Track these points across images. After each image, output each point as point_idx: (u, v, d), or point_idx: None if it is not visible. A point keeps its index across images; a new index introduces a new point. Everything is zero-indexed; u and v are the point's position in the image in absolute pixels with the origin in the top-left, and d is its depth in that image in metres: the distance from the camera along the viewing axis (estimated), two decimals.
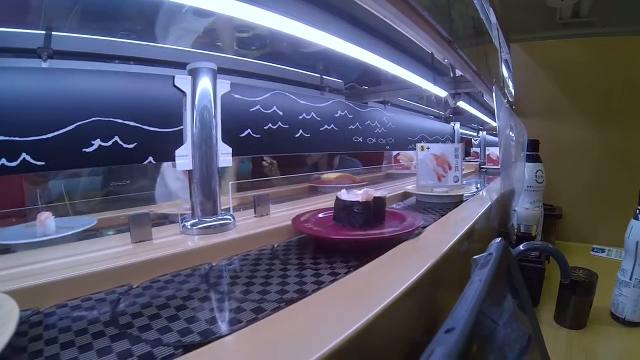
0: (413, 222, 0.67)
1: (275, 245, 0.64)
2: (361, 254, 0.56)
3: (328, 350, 0.28)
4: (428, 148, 1.16)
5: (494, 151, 2.47)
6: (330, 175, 1.50)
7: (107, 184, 1.29)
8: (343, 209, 0.68)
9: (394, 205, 1.02)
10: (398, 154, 2.23)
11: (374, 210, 0.67)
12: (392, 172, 2.06)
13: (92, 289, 0.44)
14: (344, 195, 0.69)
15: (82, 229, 0.70)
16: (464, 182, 1.37)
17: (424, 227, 0.70)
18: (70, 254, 0.51)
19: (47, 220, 0.65)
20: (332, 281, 0.46)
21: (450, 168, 1.20)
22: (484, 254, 0.39)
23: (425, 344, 0.23)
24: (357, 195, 0.68)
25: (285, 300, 0.40)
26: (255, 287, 0.45)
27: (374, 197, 0.67)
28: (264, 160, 1.55)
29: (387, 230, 0.65)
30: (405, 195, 1.21)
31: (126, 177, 1.29)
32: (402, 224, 0.68)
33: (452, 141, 2.30)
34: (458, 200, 1.10)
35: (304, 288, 0.44)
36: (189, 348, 0.31)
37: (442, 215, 0.85)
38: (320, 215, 0.74)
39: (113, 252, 0.52)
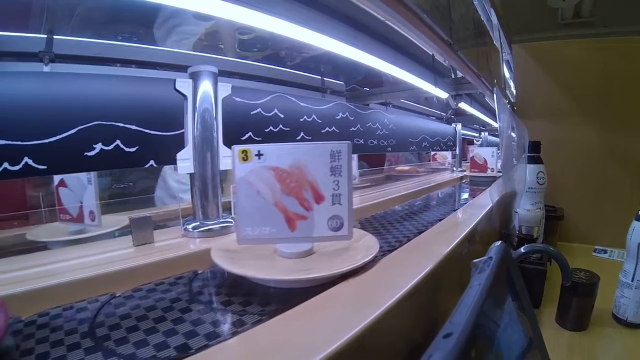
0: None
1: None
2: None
3: (328, 353, 0.28)
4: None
5: (481, 152, 1.86)
6: (404, 167, 2.30)
7: (110, 186, 1.29)
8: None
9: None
10: (435, 153, 2.68)
11: None
12: (434, 167, 2.54)
13: (95, 291, 0.44)
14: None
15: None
16: None
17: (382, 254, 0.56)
18: (74, 257, 0.51)
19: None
20: (330, 284, 0.46)
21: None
22: (484, 257, 0.39)
23: (424, 347, 0.23)
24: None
25: (285, 303, 0.40)
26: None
27: None
28: None
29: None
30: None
31: (128, 179, 1.29)
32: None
33: (454, 142, 2.29)
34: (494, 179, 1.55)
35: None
36: (192, 352, 0.31)
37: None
38: None
39: (116, 255, 0.53)
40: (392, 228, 0.77)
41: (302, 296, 0.39)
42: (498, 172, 1.73)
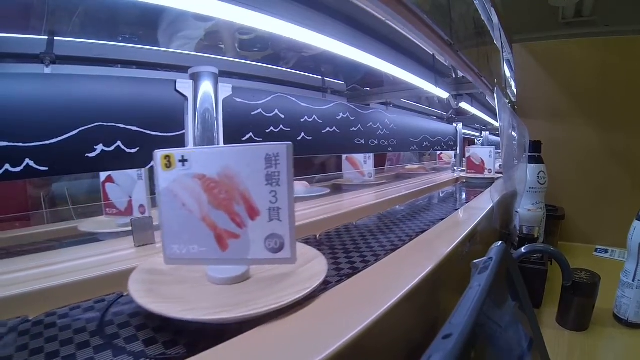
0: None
1: None
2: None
3: (328, 354, 0.28)
4: None
5: (478, 152, 1.76)
6: (413, 166, 2.36)
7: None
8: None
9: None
10: (441, 153, 2.74)
11: None
12: (438, 167, 2.59)
13: (96, 293, 0.44)
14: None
15: None
16: None
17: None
18: (74, 257, 0.51)
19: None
20: (338, 281, 0.46)
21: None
22: (484, 258, 0.39)
23: (424, 347, 0.23)
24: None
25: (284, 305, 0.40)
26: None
27: None
28: None
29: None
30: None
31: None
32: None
33: (455, 142, 2.29)
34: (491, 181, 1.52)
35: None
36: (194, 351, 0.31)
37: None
38: None
39: (116, 255, 0.53)
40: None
41: (236, 331, 0.33)
42: (497, 173, 1.68)
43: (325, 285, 0.44)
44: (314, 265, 0.45)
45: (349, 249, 0.62)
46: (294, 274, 0.43)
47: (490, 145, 1.99)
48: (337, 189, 1.44)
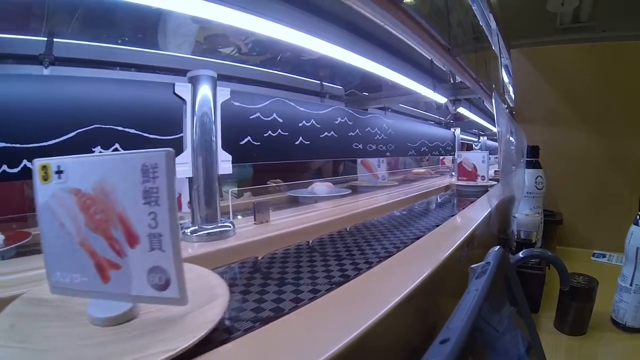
0: None
1: (276, 251, 0.64)
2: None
3: (327, 358, 0.28)
4: None
5: (470, 158, 1.63)
6: (420, 170, 2.43)
7: None
8: None
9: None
10: (444, 157, 2.75)
11: None
12: (441, 170, 2.64)
13: None
14: None
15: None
16: None
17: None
18: None
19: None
20: (328, 290, 0.46)
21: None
22: (482, 262, 0.39)
23: (422, 352, 0.23)
24: None
25: (283, 308, 0.40)
26: (252, 295, 0.45)
27: None
28: (271, 183, 1.53)
29: None
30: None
31: None
32: None
33: (453, 147, 2.30)
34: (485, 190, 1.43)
35: (301, 297, 0.44)
36: (191, 355, 0.31)
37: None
38: None
39: None
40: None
41: None
42: (490, 180, 1.58)
43: (315, 294, 0.43)
44: (211, 309, 0.35)
45: (341, 256, 0.62)
46: (182, 319, 0.33)
47: (483, 150, 1.76)
48: (354, 190, 1.47)
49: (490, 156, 1.64)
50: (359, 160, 1.72)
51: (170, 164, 0.30)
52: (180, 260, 0.31)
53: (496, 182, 1.46)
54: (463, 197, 1.38)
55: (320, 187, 1.34)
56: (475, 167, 1.58)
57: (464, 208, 1.07)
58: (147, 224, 0.30)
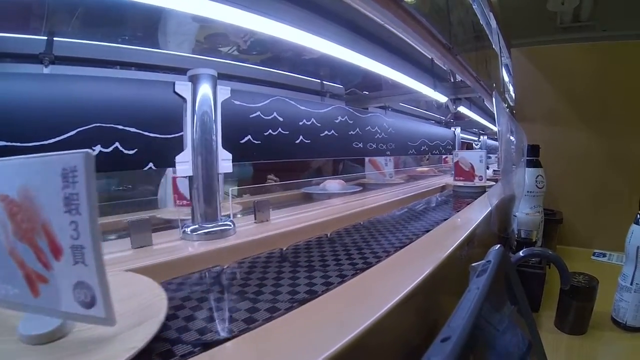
0: None
1: (275, 251, 0.64)
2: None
3: (325, 357, 0.28)
4: None
5: (467, 157, 1.49)
6: (424, 168, 2.47)
7: (108, 188, 1.29)
8: None
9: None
10: (446, 156, 2.75)
11: None
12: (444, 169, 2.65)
13: None
14: None
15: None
16: None
17: None
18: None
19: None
20: (325, 290, 0.45)
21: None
22: (482, 261, 0.39)
23: (423, 350, 0.23)
24: None
25: (283, 307, 0.40)
26: (252, 293, 0.45)
27: None
28: (270, 178, 1.54)
29: None
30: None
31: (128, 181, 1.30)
32: None
33: (453, 146, 2.30)
34: (482, 190, 1.33)
35: (302, 295, 0.44)
36: (185, 355, 0.31)
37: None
38: None
39: (113, 257, 0.53)
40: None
41: None
42: (488, 180, 1.49)
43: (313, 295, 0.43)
44: (142, 330, 0.31)
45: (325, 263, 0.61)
46: (111, 341, 0.30)
47: (481, 149, 1.57)
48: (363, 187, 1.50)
49: (489, 155, 1.59)
50: (367, 159, 1.78)
51: (89, 167, 0.26)
52: (104, 275, 0.27)
53: (494, 183, 1.43)
54: (460, 199, 1.29)
55: (332, 184, 1.39)
56: (472, 167, 1.49)
57: (459, 211, 1.00)
58: (69, 235, 0.27)
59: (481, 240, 0.81)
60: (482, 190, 1.38)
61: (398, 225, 0.81)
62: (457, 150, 2.02)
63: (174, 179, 0.88)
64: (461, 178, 1.48)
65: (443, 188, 1.60)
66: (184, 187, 0.86)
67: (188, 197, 0.82)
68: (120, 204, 1.00)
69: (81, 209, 0.26)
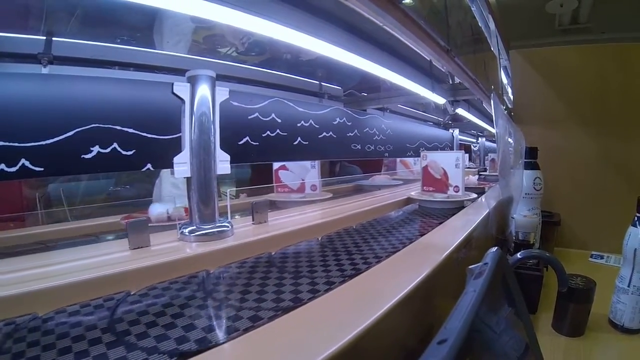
0: None
1: (273, 253, 0.64)
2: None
3: (324, 358, 0.28)
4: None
5: (438, 160, 1.16)
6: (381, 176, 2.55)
7: (106, 188, 1.29)
8: None
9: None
10: (404, 159, 2.72)
11: None
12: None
13: (90, 295, 0.44)
14: None
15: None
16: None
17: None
18: (69, 259, 0.51)
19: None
20: (327, 290, 0.46)
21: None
22: (479, 263, 0.39)
23: (419, 352, 0.23)
24: None
25: (281, 309, 0.40)
26: (252, 295, 0.45)
27: None
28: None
29: None
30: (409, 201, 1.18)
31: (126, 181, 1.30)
32: None
33: (452, 148, 2.30)
34: (460, 206, 1.06)
35: (300, 297, 0.44)
36: (185, 356, 0.31)
37: (441, 223, 0.85)
38: None
39: (111, 258, 0.53)
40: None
41: None
42: (469, 190, 1.26)
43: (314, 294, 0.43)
44: None
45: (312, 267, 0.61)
46: None
47: (458, 151, 1.17)
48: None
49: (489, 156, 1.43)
50: (398, 159, 2.15)
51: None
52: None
53: (477, 195, 1.22)
54: (426, 218, 0.98)
55: (380, 178, 1.78)
56: (445, 174, 1.15)
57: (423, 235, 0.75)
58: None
59: (479, 243, 0.81)
60: (459, 206, 1.10)
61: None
62: (424, 150, 1.43)
63: (276, 172, 1.17)
64: (431, 188, 1.18)
65: (406, 202, 1.23)
66: (287, 179, 1.11)
67: (294, 187, 1.07)
68: (118, 205, 1.00)
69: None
